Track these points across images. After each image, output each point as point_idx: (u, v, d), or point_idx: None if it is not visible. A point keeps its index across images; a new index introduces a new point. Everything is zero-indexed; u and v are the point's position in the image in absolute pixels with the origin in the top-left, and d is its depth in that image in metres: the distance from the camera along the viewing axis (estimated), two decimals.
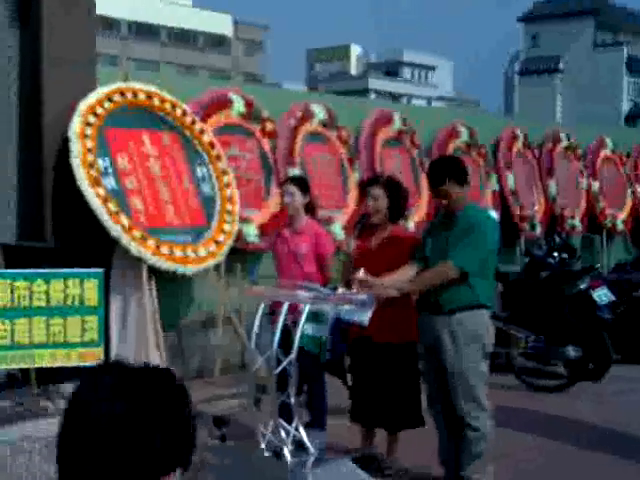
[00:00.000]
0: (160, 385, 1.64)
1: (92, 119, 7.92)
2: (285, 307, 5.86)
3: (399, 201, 6.16)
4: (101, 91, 8.15)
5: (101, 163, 7.88)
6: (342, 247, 6.40)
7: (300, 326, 5.69)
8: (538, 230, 13.05)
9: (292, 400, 5.78)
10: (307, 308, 5.72)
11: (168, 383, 1.66)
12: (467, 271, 5.34)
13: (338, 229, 10.28)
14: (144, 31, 69.62)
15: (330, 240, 6.93)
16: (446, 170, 5.59)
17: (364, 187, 6.30)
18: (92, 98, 8.03)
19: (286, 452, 5.75)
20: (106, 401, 1.57)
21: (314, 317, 5.86)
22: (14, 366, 6.80)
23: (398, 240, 6.04)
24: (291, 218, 6.76)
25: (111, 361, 1.69)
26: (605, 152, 15.21)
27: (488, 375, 5.64)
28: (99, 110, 8.02)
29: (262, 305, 6.16)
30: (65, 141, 7.79)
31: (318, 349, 6.31)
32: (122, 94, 8.31)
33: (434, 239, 5.64)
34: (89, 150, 7.77)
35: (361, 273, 5.65)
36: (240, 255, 9.32)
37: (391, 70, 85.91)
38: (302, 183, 6.85)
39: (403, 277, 5.65)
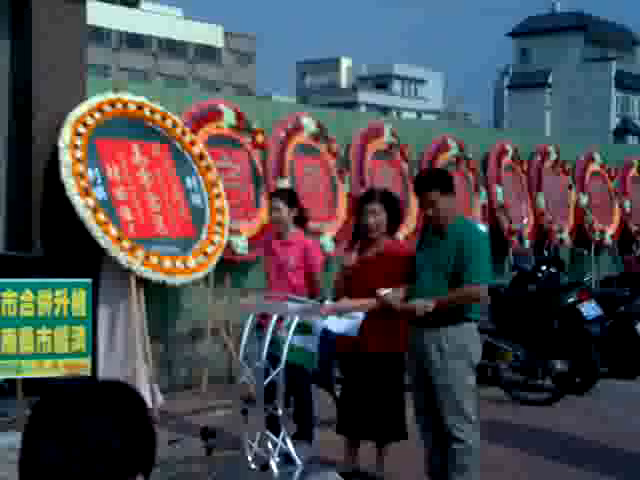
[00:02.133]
0: (115, 394, 1.69)
1: (82, 129, 7.93)
2: (274, 319, 5.86)
3: (396, 213, 6.20)
4: (91, 101, 8.16)
5: (91, 173, 7.88)
6: (343, 261, 6.37)
7: (288, 338, 5.69)
8: (527, 244, 13.08)
9: (279, 412, 5.78)
10: (295, 320, 5.73)
11: (122, 392, 1.71)
12: (487, 285, 5.54)
13: (328, 241, 10.29)
14: (134, 42, 69.61)
15: (319, 256, 6.92)
16: (431, 178, 5.63)
17: (360, 203, 6.27)
18: (82, 108, 8.04)
19: (273, 464, 5.74)
20: (66, 418, 1.63)
21: (302, 329, 5.86)
22: (1, 376, 6.78)
23: (395, 253, 6.05)
24: (279, 232, 6.76)
25: (59, 384, 1.75)
26: (594, 166, 15.28)
27: (475, 388, 5.64)
28: (89, 120, 8.02)
29: (251, 317, 6.15)
30: (55, 151, 7.78)
31: (306, 361, 6.31)
32: (112, 105, 8.31)
33: (425, 254, 5.65)
34: (79, 160, 7.77)
35: (387, 291, 5.64)
36: (229, 266, 9.31)
37: (381, 83, 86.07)
38: (289, 196, 6.84)
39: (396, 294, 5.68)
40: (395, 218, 6.20)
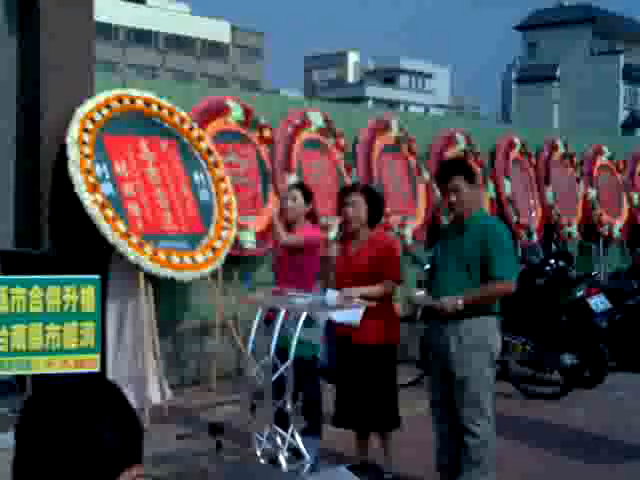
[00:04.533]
0: (97, 388, 1.71)
1: (90, 125, 7.93)
2: (282, 314, 5.87)
3: (377, 206, 6.26)
4: (99, 97, 8.16)
5: (99, 169, 7.89)
6: (325, 251, 6.45)
7: (296, 333, 5.70)
8: (535, 237, 13.06)
9: (288, 407, 5.78)
10: (304, 315, 5.73)
11: (103, 385, 1.74)
12: (514, 281, 5.58)
13: (334, 236, 10.27)
14: (142, 38, 69.67)
15: (318, 236, 6.92)
16: (456, 165, 5.68)
17: (342, 195, 6.35)
18: (90, 104, 8.05)
19: (282, 459, 5.75)
20: (55, 416, 1.65)
21: (306, 321, 5.87)
22: (11, 372, 6.79)
23: (378, 244, 6.12)
24: (290, 223, 6.77)
25: (45, 386, 1.76)
26: (602, 160, 15.24)
27: (494, 382, 5.62)
28: (97, 116, 8.03)
29: (259, 312, 6.16)
30: (63, 147, 7.79)
31: (311, 353, 6.31)
32: (120, 101, 8.32)
33: (444, 245, 5.65)
34: (87, 156, 7.78)
35: (421, 292, 5.74)
36: (237, 262, 9.32)
37: (388, 77, 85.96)
38: (306, 191, 6.87)
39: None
40: (375, 210, 6.25)
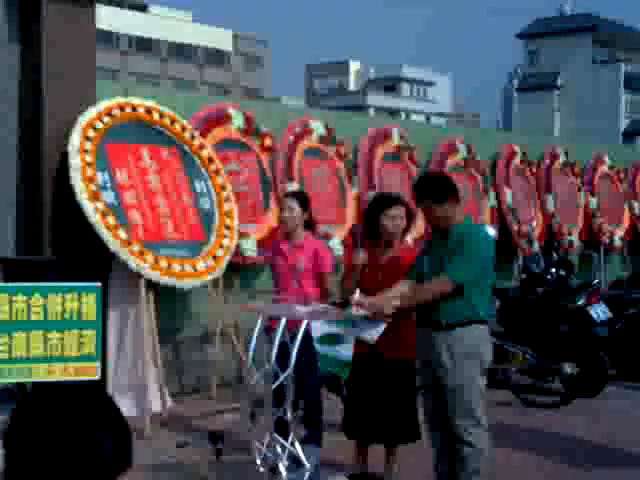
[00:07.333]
0: (90, 396, 1.71)
1: (92, 133, 7.95)
2: (283, 322, 5.87)
3: (410, 219, 6.27)
4: (101, 106, 8.18)
5: (100, 177, 7.91)
6: (352, 260, 6.34)
7: (297, 342, 5.69)
8: (536, 246, 13.06)
9: (288, 415, 5.78)
10: (305, 323, 5.74)
11: (96, 392, 1.74)
12: (461, 284, 5.35)
13: (336, 244, 10.29)
14: (144, 46, 69.77)
15: (330, 257, 6.88)
16: (423, 189, 5.61)
17: (384, 205, 6.19)
18: (92, 112, 8.07)
19: (281, 468, 5.74)
20: (51, 423, 1.64)
21: (337, 339, 5.84)
22: (11, 380, 6.79)
23: (407, 257, 6.05)
24: (289, 233, 6.75)
25: (34, 391, 1.75)
26: (603, 169, 15.26)
27: (485, 391, 5.63)
28: (99, 125, 8.05)
29: (260, 320, 6.16)
30: (65, 155, 7.81)
31: (342, 371, 6.27)
32: (122, 109, 8.34)
33: (429, 256, 5.65)
34: (88, 164, 7.80)
35: (357, 295, 5.68)
36: (238, 270, 9.33)
37: (390, 86, 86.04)
38: (302, 199, 6.83)
39: (396, 294, 5.64)
40: (408, 223, 6.27)
